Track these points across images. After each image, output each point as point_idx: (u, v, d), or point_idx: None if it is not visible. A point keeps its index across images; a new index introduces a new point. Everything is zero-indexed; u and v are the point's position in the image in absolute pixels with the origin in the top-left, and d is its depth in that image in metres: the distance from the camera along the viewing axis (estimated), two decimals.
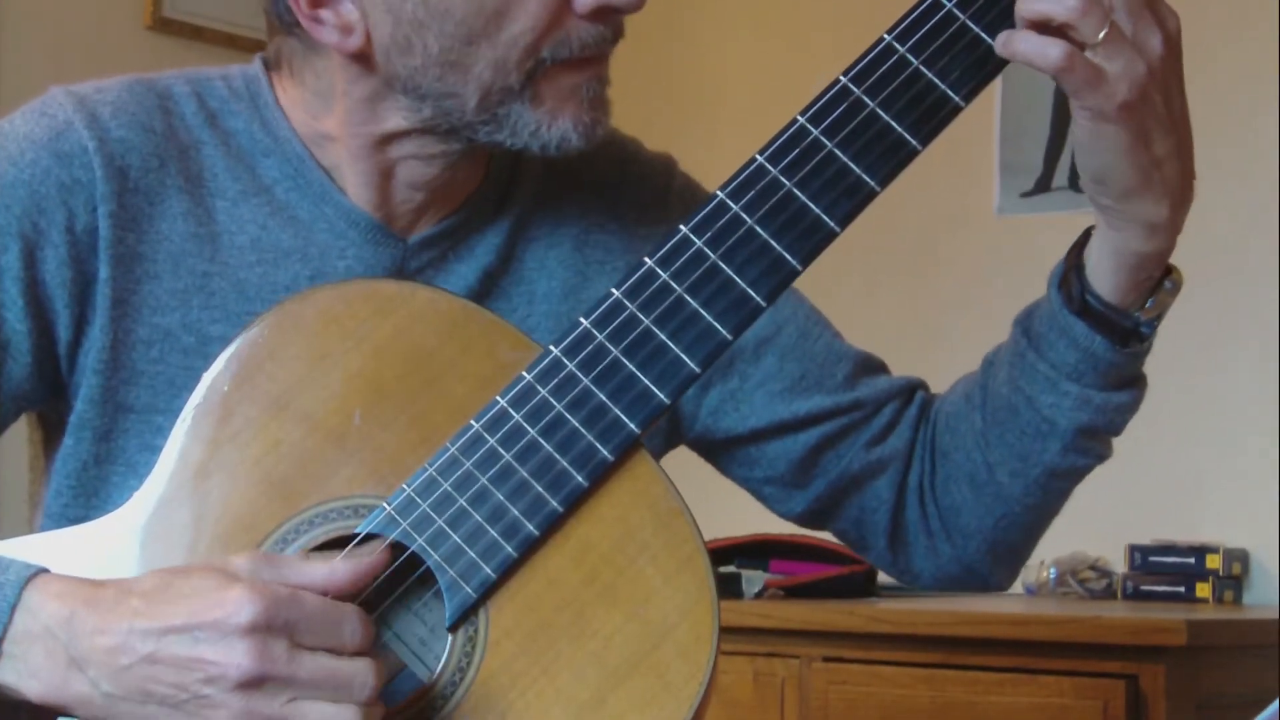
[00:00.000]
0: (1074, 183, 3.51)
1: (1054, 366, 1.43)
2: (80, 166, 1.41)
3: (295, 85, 1.47)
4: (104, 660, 1.20)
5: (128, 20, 3.59)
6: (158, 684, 1.19)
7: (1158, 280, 1.40)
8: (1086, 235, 1.41)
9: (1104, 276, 1.40)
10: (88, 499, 1.42)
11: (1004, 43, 1.29)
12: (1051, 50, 1.28)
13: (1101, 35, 1.28)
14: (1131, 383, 1.45)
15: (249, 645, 1.18)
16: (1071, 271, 1.42)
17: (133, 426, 1.42)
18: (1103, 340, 1.40)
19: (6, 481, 3.04)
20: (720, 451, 1.58)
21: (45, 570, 1.25)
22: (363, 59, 1.41)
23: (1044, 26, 1.29)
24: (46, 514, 1.45)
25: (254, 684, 1.18)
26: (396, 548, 1.28)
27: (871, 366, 1.58)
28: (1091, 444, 1.47)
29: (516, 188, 1.51)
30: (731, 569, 3.28)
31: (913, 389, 1.58)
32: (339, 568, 1.23)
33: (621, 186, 1.55)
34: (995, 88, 3.59)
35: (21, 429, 1.52)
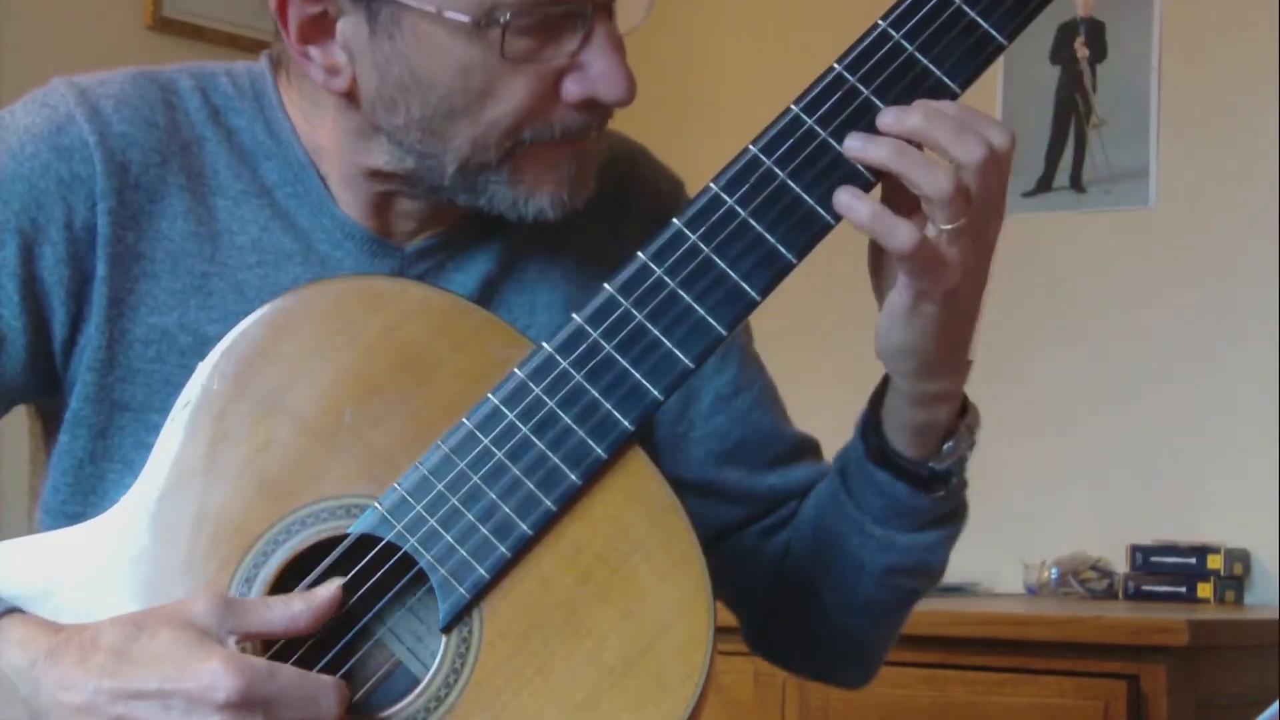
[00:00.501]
0: (1074, 183, 3.51)
1: (862, 509, 1.43)
2: (80, 161, 1.40)
3: (294, 89, 1.46)
4: (68, 718, 1.19)
5: (128, 20, 3.59)
6: None
7: (955, 421, 1.39)
8: (885, 382, 1.40)
9: (895, 432, 1.40)
10: (85, 495, 1.42)
11: (847, 208, 1.26)
12: (902, 232, 1.25)
13: (955, 226, 1.26)
14: (942, 522, 1.44)
15: None
16: (870, 424, 1.41)
17: (128, 424, 1.41)
18: (904, 487, 1.40)
19: (7, 478, 3.04)
20: None
21: (14, 610, 1.25)
22: (350, 97, 1.40)
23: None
24: (45, 509, 1.44)
25: None
26: (389, 548, 1.27)
27: (802, 451, 1.58)
28: (904, 580, 1.47)
29: None
30: None
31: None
32: (300, 613, 1.23)
33: (629, 199, 1.53)
34: (996, 88, 3.59)
35: (23, 424, 1.51)
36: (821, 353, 3.50)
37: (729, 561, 1.56)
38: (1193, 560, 3.30)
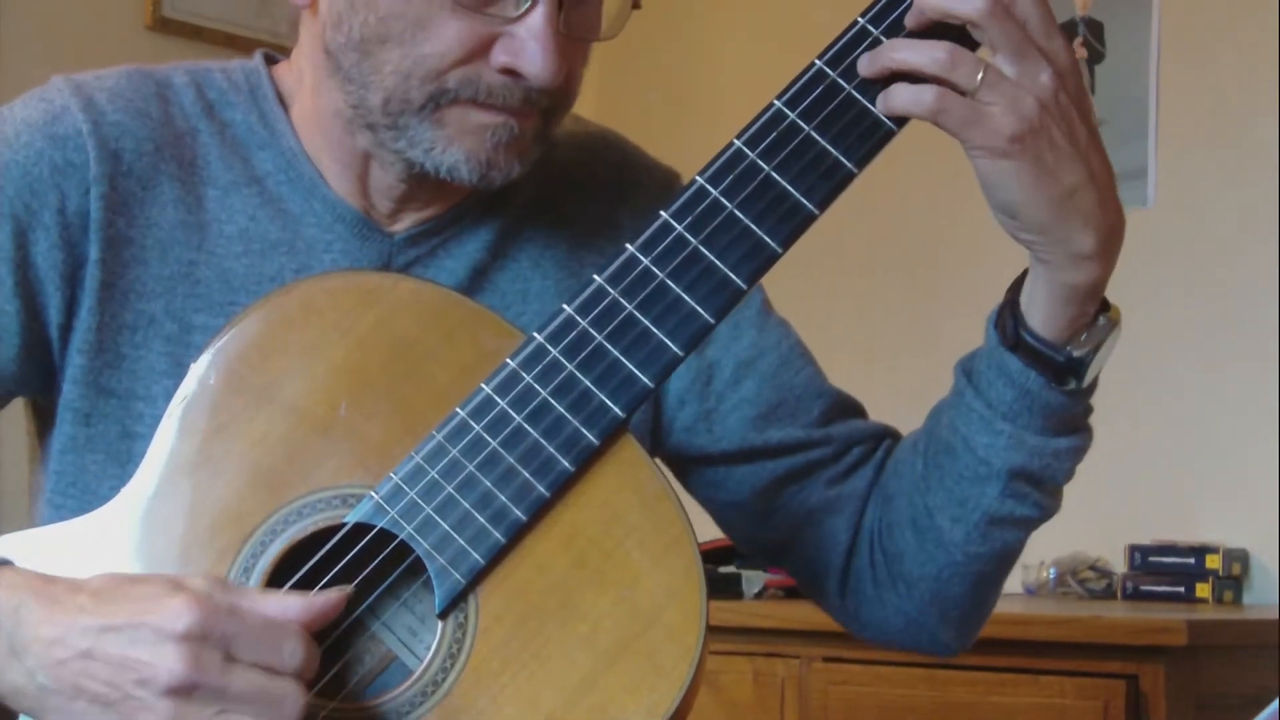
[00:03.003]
0: None
1: (989, 405, 1.41)
2: (74, 149, 1.42)
3: (288, 70, 1.49)
4: (42, 651, 1.20)
5: (128, 20, 3.60)
6: (91, 680, 1.19)
7: (1092, 316, 1.39)
8: (1025, 274, 1.40)
9: (1036, 310, 1.38)
10: (68, 485, 1.43)
11: (883, 99, 1.30)
12: (925, 95, 1.28)
13: (978, 79, 1.28)
14: (1072, 430, 1.43)
15: (182, 651, 1.17)
16: (1007, 308, 1.41)
17: (113, 411, 1.42)
18: (1037, 376, 1.39)
19: (7, 478, 3.04)
20: (690, 469, 1.58)
21: (6, 563, 1.26)
22: (317, 24, 1.43)
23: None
24: (36, 497, 1.47)
25: (183, 691, 1.17)
26: (384, 537, 1.28)
27: (848, 408, 1.58)
28: (1030, 491, 1.44)
29: (512, 190, 1.50)
30: (731, 569, 3.28)
31: (883, 435, 1.57)
32: (291, 604, 1.22)
33: (621, 191, 1.54)
34: None
35: (24, 422, 1.52)
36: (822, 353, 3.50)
37: (800, 519, 1.55)
38: (1191, 560, 3.30)
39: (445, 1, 1.36)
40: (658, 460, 1.48)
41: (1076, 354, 1.39)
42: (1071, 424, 1.42)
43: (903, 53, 1.29)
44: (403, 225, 1.48)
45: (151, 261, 1.43)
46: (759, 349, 1.55)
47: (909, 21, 1.30)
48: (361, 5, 1.38)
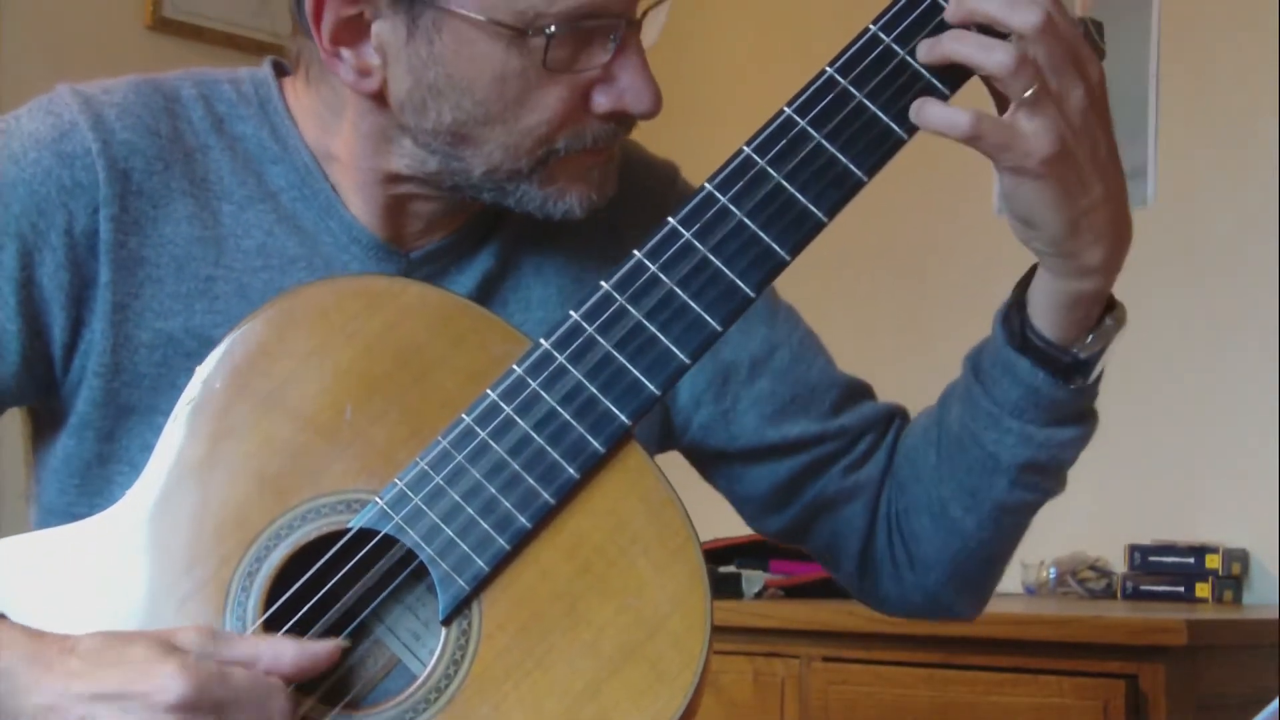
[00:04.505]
0: None
1: (997, 403, 1.43)
2: (83, 168, 1.40)
3: (309, 93, 1.47)
4: (36, 716, 1.21)
5: (128, 20, 3.60)
6: None
7: (1098, 317, 1.40)
8: (1032, 271, 1.41)
9: (1043, 313, 1.40)
10: (91, 498, 1.42)
11: (916, 112, 1.30)
12: (960, 119, 1.28)
13: (1029, 94, 1.28)
14: (1078, 419, 1.44)
15: None
16: (1014, 308, 1.42)
17: (135, 427, 1.42)
18: (1045, 375, 1.40)
19: (7, 479, 3.04)
20: (708, 463, 1.59)
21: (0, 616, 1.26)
22: (378, 97, 1.40)
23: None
24: (51, 510, 1.45)
25: None
26: (389, 542, 1.28)
27: (858, 392, 1.59)
28: (1038, 479, 1.46)
29: None
30: (731, 569, 3.28)
31: (892, 416, 1.58)
32: (285, 652, 1.23)
33: (623, 193, 1.54)
34: None
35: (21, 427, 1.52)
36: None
37: (817, 508, 1.56)
38: (1191, 560, 3.30)
39: (540, 74, 1.35)
40: (665, 457, 1.48)
41: (1082, 355, 1.40)
42: (1077, 413, 1.44)
43: (966, 46, 1.29)
44: (418, 246, 1.47)
45: (167, 280, 1.42)
46: (771, 344, 1.56)
47: (951, 15, 1.30)
48: (451, 92, 1.37)
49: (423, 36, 1.36)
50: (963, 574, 1.53)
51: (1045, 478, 1.47)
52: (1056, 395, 1.41)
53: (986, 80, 1.30)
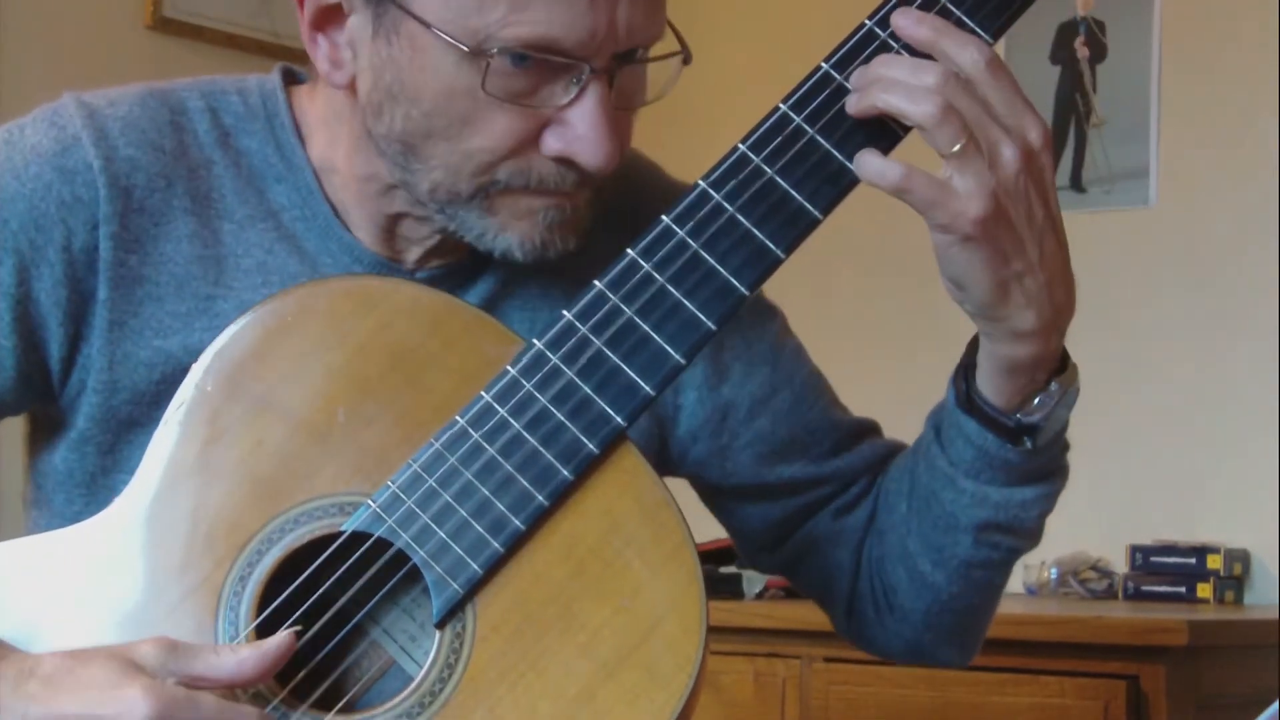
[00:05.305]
0: (1074, 183, 3.51)
1: (952, 463, 1.41)
2: (83, 184, 1.39)
3: (319, 98, 1.45)
4: None
5: (128, 20, 3.59)
6: None
7: (1043, 383, 1.38)
8: None
9: (985, 377, 1.38)
10: (100, 507, 1.40)
11: (855, 161, 1.28)
12: (890, 171, 1.27)
13: (957, 148, 1.26)
14: (1039, 478, 1.42)
15: None
16: (964, 369, 1.40)
17: (137, 438, 1.40)
18: (993, 438, 1.38)
19: (6, 479, 3.04)
20: (705, 495, 1.58)
21: None
22: (352, 93, 1.39)
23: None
24: (59, 515, 1.43)
25: None
26: (382, 545, 1.27)
27: (859, 433, 1.56)
28: (1002, 538, 1.44)
29: None
30: (732, 569, 3.28)
31: (887, 458, 1.56)
32: (246, 659, 1.21)
33: (636, 218, 1.50)
34: None
35: (22, 427, 1.51)
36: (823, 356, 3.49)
37: (807, 548, 1.55)
38: (1192, 560, 3.30)
39: (488, 97, 1.31)
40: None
41: (1026, 420, 1.38)
42: (1038, 474, 1.42)
43: (894, 97, 1.27)
44: (422, 268, 1.45)
45: (166, 298, 1.41)
46: (773, 386, 1.53)
47: (851, 108, 1.28)
48: (403, 98, 1.34)
49: (383, 35, 1.34)
50: (939, 625, 1.51)
51: (1010, 536, 1.44)
52: (1008, 457, 1.39)
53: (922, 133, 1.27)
